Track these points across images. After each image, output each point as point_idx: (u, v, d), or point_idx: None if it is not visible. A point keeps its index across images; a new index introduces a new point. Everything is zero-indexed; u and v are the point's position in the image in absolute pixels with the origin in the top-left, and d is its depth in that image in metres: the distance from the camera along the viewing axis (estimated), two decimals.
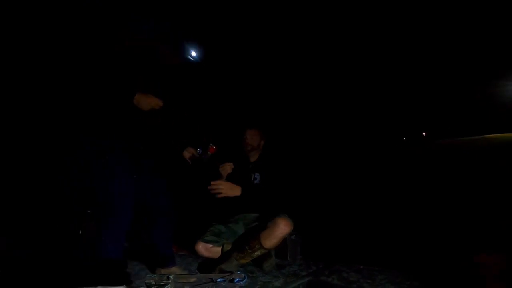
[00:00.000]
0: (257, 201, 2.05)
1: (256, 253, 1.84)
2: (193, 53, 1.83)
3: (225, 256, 1.95)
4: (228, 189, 1.91)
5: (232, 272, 0.89)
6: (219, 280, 0.88)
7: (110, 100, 1.63)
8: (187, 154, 1.97)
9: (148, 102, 1.60)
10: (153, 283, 0.80)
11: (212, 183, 1.88)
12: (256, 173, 2.13)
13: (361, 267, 2.05)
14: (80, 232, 2.34)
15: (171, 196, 1.87)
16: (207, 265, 2.01)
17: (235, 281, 0.88)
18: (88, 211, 2.35)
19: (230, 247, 2.07)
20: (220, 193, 1.89)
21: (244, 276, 0.87)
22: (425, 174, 6.84)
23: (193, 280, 0.96)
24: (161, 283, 0.82)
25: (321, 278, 1.89)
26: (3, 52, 2.62)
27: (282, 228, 1.83)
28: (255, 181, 2.12)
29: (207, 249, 2.06)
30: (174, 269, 1.81)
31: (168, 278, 0.81)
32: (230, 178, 2.09)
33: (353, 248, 2.47)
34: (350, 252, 2.39)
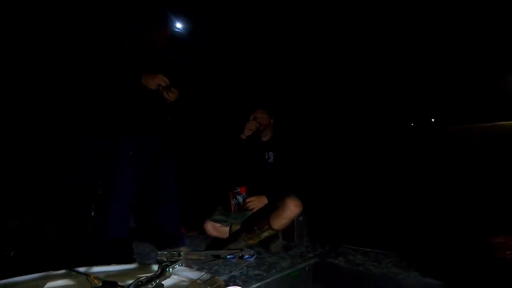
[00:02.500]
0: (271, 180, 2.07)
1: (264, 233, 1.87)
2: (178, 25, 1.80)
3: (233, 237, 1.99)
4: (258, 203, 2.02)
5: (241, 249, 0.89)
6: (228, 256, 0.89)
7: (114, 93, 1.63)
8: None
9: (154, 80, 1.59)
10: (165, 259, 0.81)
11: (246, 201, 2.03)
12: (270, 152, 2.14)
13: (367, 250, 2.06)
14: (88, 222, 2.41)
15: (177, 178, 1.90)
16: (215, 246, 2.05)
17: (245, 257, 0.89)
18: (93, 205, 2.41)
19: (238, 227, 2.10)
20: (253, 209, 2.03)
21: (254, 253, 0.88)
22: (435, 160, 6.76)
23: (203, 256, 0.97)
24: (173, 259, 0.83)
25: (327, 260, 1.91)
26: (3, 52, 2.61)
27: (291, 209, 1.84)
28: (269, 160, 2.13)
29: (216, 229, 2.10)
30: (183, 249, 1.85)
31: (179, 254, 0.82)
32: (245, 159, 2.11)
33: (359, 232, 2.48)
34: (355, 235, 2.40)
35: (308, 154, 2.27)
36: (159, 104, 1.68)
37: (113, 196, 1.61)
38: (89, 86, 1.64)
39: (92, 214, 2.49)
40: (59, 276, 0.92)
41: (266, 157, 2.18)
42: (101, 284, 0.82)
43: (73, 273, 0.92)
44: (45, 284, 0.90)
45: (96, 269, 0.93)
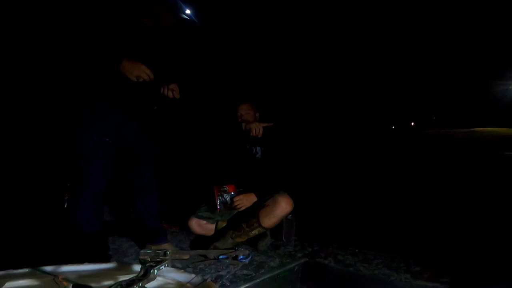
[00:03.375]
0: (259, 175, 1.96)
1: (253, 232, 1.77)
2: (188, 11, 1.65)
3: (219, 234, 1.88)
4: (246, 201, 1.90)
5: (235, 249, 0.79)
6: (221, 257, 0.78)
7: (90, 69, 1.46)
8: None
9: (135, 71, 1.42)
10: (148, 259, 0.69)
11: (234, 200, 1.90)
12: (257, 147, 2.03)
13: (356, 250, 2.01)
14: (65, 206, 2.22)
15: (154, 167, 1.75)
16: (200, 243, 1.94)
17: (239, 258, 0.78)
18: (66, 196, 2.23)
19: (224, 224, 1.99)
20: (241, 208, 1.91)
21: (249, 254, 0.77)
22: (418, 162, 6.89)
23: (191, 256, 0.86)
24: (157, 259, 0.71)
25: (317, 260, 1.84)
26: None
27: (283, 207, 1.76)
28: (257, 155, 2.02)
29: (201, 226, 1.98)
30: (166, 246, 1.73)
31: (165, 254, 0.70)
32: (232, 153, 2.00)
33: (347, 231, 2.44)
34: (343, 234, 2.36)
35: (297, 148, 2.18)
36: (144, 90, 1.52)
37: (85, 186, 1.46)
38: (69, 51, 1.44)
39: (65, 206, 2.31)
40: (20, 276, 0.78)
41: (254, 152, 2.07)
42: (71, 286, 0.69)
43: (38, 272, 0.78)
44: (3, 284, 0.76)
45: (65, 268, 0.79)
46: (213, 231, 1.99)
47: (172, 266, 0.81)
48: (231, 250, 0.82)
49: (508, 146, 9.35)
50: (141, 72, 1.42)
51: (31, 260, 1.61)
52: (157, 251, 0.77)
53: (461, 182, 4.58)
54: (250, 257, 0.85)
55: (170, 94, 1.60)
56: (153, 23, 1.58)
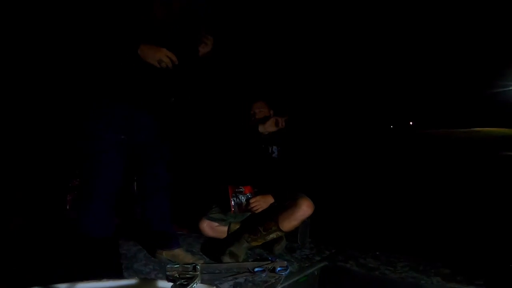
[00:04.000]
0: (275, 176, 1.85)
1: (271, 235, 1.66)
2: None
3: (233, 237, 1.77)
4: (263, 203, 1.79)
5: (272, 260, 0.68)
6: (256, 269, 0.67)
7: (105, 60, 1.33)
8: None
9: (156, 54, 1.30)
10: (177, 275, 0.58)
11: (250, 202, 1.78)
12: (274, 147, 1.92)
13: (377, 253, 1.91)
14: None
15: (170, 166, 1.62)
16: (212, 246, 1.82)
17: (277, 270, 0.67)
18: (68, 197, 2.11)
19: (237, 227, 1.88)
20: (257, 210, 1.80)
21: (287, 265, 0.67)
22: (423, 162, 6.79)
23: (223, 270, 0.75)
24: (187, 275, 0.60)
25: (338, 264, 1.74)
26: None
27: (304, 210, 1.65)
28: (273, 155, 1.91)
29: (212, 228, 1.87)
30: (178, 252, 1.61)
31: (195, 268, 0.58)
32: (247, 153, 1.88)
33: (359, 232, 2.33)
34: (357, 236, 2.25)
35: (314, 148, 2.07)
36: (163, 80, 1.39)
37: (96, 190, 1.32)
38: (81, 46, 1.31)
39: (67, 207, 2.19)
40: None
41: (270, 151, 1.96)
42: None
43: None
44: None
45: (81, 286, 0.67)
46: (225, 234, 1.88)
47: (202, 282, 0.70)
48: (267, 262, 0.72)
49: (508, 146, 9.29)
50: (162, 56, 1.29)
51: (36, 268, 1.50)
52: (186, 266, 0.66)
53: (464, 182, 4.51)
54: (288, 269, 0.74)
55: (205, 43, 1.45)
56: (164, 11, 1.44)
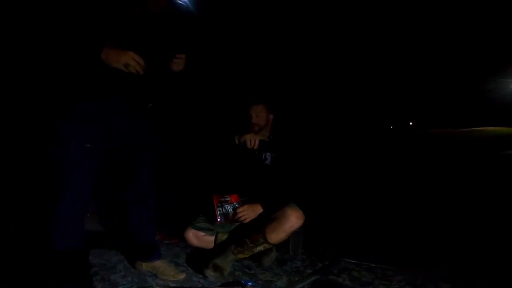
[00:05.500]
0: (267, 184, 1.75)
1: (258, 248, 1.56)
2: None
3: (219, 248, 1.67)
4: (251, 213, 1.69)
5: (245, 284, 0.59)
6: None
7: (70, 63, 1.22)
8: None
9: (123, 56, 1.19)
10: None
11: (237, 211, 1.68)
12: (267, 153, 1.81)
13: (372, 265, 1.81)
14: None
15: (155, 173, 1.52)
16: (198, 257, 1.72)
17: None
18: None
19: (225, 237, 1.78)
20: (245, 220, 1.69)
21: None
22: (423, 164, 6.69)
23: None
24: None
25: (330, 278, 1.64)
26: None
27: (293, 221, 1.55)
28: (266, 161, 1.80)
29: (198, 238, 1.77)
30: (159, 264, 1.52)
31: None
32: (239, 159, 1.78)
33: (355, 242, 2.23)
34: (352, 246, 2.15)
35: (311, 155, 1.96)
36: (136, 84, 1.29)
37: (63, 199, 1.23)
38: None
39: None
40: None
41: (263, 158, 1.85)
42: None
43: None
44: None
45: None
46: (212, 244, 1.78)
47: None
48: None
49: (508, 146, 9.21)
50: (128, 59, 1.19)
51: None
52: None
53: (466, 184, 4.42)
54: None
55: (175, 66, 1.34)
56: (142, 9, 1.34)
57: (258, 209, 1.67)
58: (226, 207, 1.66)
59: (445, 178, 4.95)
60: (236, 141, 1.80)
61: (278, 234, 1.56)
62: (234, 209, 1.66)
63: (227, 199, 1.67)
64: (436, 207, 3.25)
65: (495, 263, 1.85)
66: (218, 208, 1.64)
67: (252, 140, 1.72)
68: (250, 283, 0.62)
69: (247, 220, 1.65)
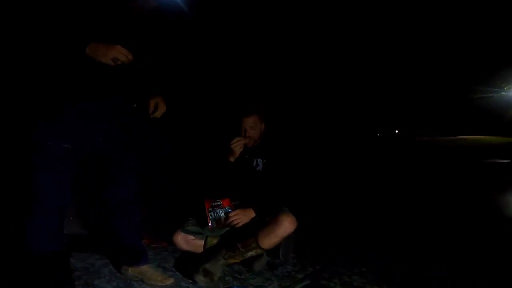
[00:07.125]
0: (259, 189, 1.72)
1: (250, 253, 1.53)
2: None
3: (209, 253, 1.63)
4: (244, 217, 1.65)
5: None
6: None
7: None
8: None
9: (110, 50, 1.15)
10: None
11: (229, 216, 1.64)
12: (258, 159, 1.79)
13: (363, 269, 1.80)
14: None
15: (140, 174, 1.48)
16: (187, 261, 1.68)
17: None
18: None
19: (215, 241, 1.74)
20: (237, 225, 1.66)
21: None
22: (413, 171, 6.81)
23: None
24: None
25: (320, 282, 1.62)
26: None
27: (286, 227, 1.53)
28: (257, 168, 1.78)
29: (188, 242, 1.73)
30: (146, 268, 1.46)
31: None
32: (230, 165, 1.75)
33: (347, 245, 2.23)
34: (345, 250, 2.15)
35: (302, 161, 1.95)
36: (119, 81, 1.25)
37: (39, 202, 1.17)
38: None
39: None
40: None
41: (254, 164, 1.83)
42: None
43: None
44: None
45: None
46: (202, 248, 1.73)
47: None
48: None
49: (492, 154, 9.49)
50: (116, 53, 1.14)
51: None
52: None
53: (450, 190, 4.52)
54: None
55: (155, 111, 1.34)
56: (131, 7, 1.31)
57: (250, 214, 1.64)
58: (218, 212, 1.62)
59: (430, 184, 5.04)
60: (231, 159, 1.78)
61: (270, 239, 1.53)
62: (226, 213, 1.63)
63: (219, 203, 1.63)
64: (424, 212, 3.29)
65: (495, 263, 1.88)
66: (209, 213, 1.61)
67: (238, 143, 1.71)
68: None
69: (240, 225, 1.62)
